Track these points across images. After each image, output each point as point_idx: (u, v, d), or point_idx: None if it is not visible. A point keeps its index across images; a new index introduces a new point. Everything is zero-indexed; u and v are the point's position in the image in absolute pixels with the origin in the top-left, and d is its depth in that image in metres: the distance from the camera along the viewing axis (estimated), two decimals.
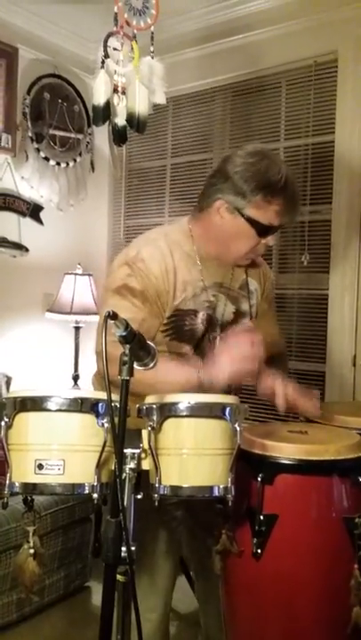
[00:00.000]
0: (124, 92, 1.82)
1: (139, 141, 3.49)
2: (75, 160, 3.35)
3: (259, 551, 1.33)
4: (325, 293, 2.75)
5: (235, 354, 1.52)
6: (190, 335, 1.65)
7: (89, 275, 3.19)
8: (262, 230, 1.58)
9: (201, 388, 1.51)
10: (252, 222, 1.57)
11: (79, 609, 2.61)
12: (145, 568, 1.63)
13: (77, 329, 3.19)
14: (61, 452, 1.17)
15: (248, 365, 1.52)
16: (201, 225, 1.67)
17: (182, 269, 1.63)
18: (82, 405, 1.19)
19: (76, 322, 3.15)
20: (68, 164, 3.32)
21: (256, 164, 1.55)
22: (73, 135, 3.32)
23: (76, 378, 3.23)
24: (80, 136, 3.36)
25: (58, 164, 3.26)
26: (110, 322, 1.04)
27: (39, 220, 3.23)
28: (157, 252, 1.61)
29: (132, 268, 1.58)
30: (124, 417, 1.07)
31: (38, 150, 3.17)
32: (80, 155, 3.37)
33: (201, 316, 1.66)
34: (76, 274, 3.15)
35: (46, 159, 3.20)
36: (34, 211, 3.21)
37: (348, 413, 1.66)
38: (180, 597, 2.03)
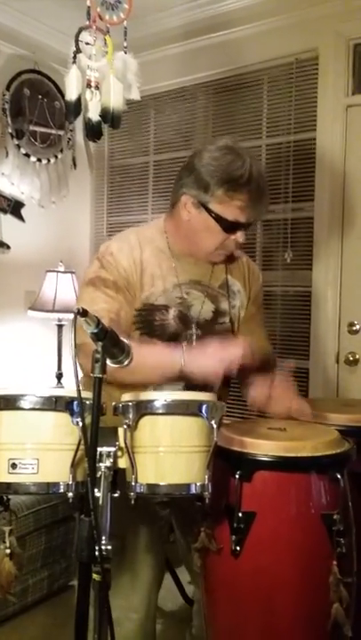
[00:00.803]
0: (97, 87, 1.80)
1: (121, 138, 3.47)
2: (56, 156, 3.32)
3: (237, 548, 1.33)
4: (309, 290, 2.76)
5: (221, 350, 1.49)
6: (161, 330, 1.63)
7: (71, 272, 3.16)
8: (228, 226, 1.57)
9: (181, 375, 1.49)
10: (216, 218, 1.55)
11: (63, 608, 2.59)
12: (126, 567, 1.63)
13: (60, 327, 3.16)
14: (35, 450, 1.16)
15: (232, 364, 1.48)
16: (173, 221, 1.66)
17: (152, 264, 1.62)
18: (56, 404, 1.17)
19: (59, 319, 3.13)
20: (49, 161, 3.29)
21: (220, 158, 1.53)
22: (54, 131, 3.29)
23: (59, 376, 3.21)
24: (61, 132, 3.33)
25: (39, 160, 3.23)
26: (81, 319, 1.02)
27: (20, 217, 3.20)
28: (126, 245, 1.63)
29: (102, 262, 1.61)
30: (98, 415, 1.06)
31: (19, 147, 3.13)
32: (61, 151, 3.34)
33: (173, 312, 1.64)
34: (58, 271, 3.13)
35: (27, 155, 3.17)
36: (15, 208, 3.18)
37: (327, 410, 1.66)
38: (166, 595, 2.03)
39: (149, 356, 1.50)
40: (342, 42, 2.62)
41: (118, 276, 1.59)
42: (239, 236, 1.60)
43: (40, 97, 3.25)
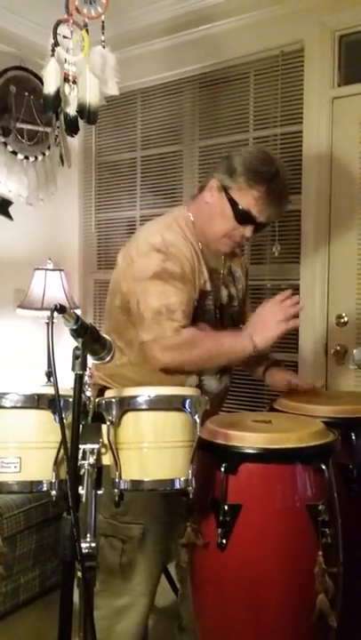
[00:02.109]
0: (74, 82, 1.80)
1: (108, 134, 3.46)
2: (43, 154, 3.31)
3: (224, 541, 1.33)
4: (297, 283, 2.75)
5: (277, 315, 1.63)
6: (208, 316, 1.74)
7: (60, 270, 3.16)
8: (240, 215, 1.65)
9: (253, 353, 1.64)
10: (232, 203, 1.65)
11: (55, 607, 2.57)
12: (146, 554, 1.68)
13: (48, 325, 3.15)
14: (18, 449, 1.16)
15: (291, 324, 1.64)
16: (196, 207, 1.75)
17: (198, 252, 1.71)
18: (38, 402, 1.17)
19: (48, 317, 3.11)
20: (36, 158, 3.27)
21: (255, 153, 1.69)
22: (41, 128, 3.27)
23: (49, 374, 3.20)
24: (48, 129, 3.31)
25: (26, 157, 3.22)
26: (58, 315, 1.02)
27: (8, 216, 3.19)
28: (180, 236, 1.68)
29: (166, 254, 1.63)
30: (79, 412, 1.06)
31: (5, 144, 3.12)
32: (49, 148, 3.33)
33: (211, 298, 1.75)
34: (46, 269, 3.12)
35: (14, 153, 3.15)
36: (3, 206, 3.16)
37: (313, 402, 1.67)
38: (158, 590, 2.03)
39: (223, 342, 1.64)
40: (327, 33, 2.61)
41: (185, 267, 1.64)
42: (247, 231, 1.68)
43: (26, 94, 3.23)
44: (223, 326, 1.80)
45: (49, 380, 3.21)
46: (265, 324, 1.63)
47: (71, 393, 1.10)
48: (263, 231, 1.81)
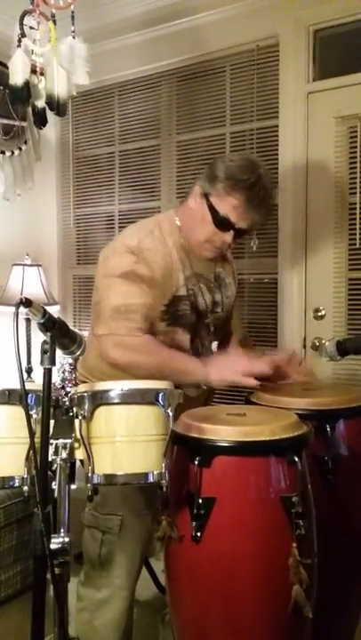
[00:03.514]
0: (42, 73, 1.79)
1: (86, 128, 3.44)
2: (20, 148, 3.27)
3: (198, 534, 1.34)
4: (275, 278, 2.77)
5: (240, 366, 1.63)
6: (184, 320, 1.75)
7: (38, 265, 3.13)
8: (219, 221, 1.67)
9: (197, 382, 1.67)
10: (211, 210, 1.67)
11: None
12: (125, 546, 1.71)
13: (28, 320, 3.13)
14: None
15: (244, 381, 1.62)
16: (182, 213, 1.77)
17: (175, 258, 1.72)
18: (9, 397, 1.17)
19: (27, 313, 3.09)
20: (12, 153, 3.23)
21: (237, 160, 1.69)
22: (17, 123, 3.23)
23: (29, 370, 3.18)
24: (24, 124, 3.27)
25: (2, 152, 3.18)
26: (24, 309, 1.01)
27: None
28: (158, 242, 1.70)
29: (138, 257, 1.66)
30: (48, 406, 1.06)
31: None
32: (25, 143, 3.29)
33: (188, 302, 1.75)
34: (24, 264, 3.10)
35: None
36: None
37: (287, 394, 1.68)
38: (140, 584, 2.04)
39: (178, 360, 1.66)
40: (302, 28, 2.62)
41: (155, 273, 1.66)
42: (227, 236, 1.70)
43: (1, 88, 3.19)
44: (201, 331, 1.81)
45: (29, 376, 3.19)
46: (225, 366, 1.64)
47: (40, 388, 1.09)
48: (246, 237, 1.83)
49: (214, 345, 1.88)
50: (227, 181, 1.64)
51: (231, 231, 1.69)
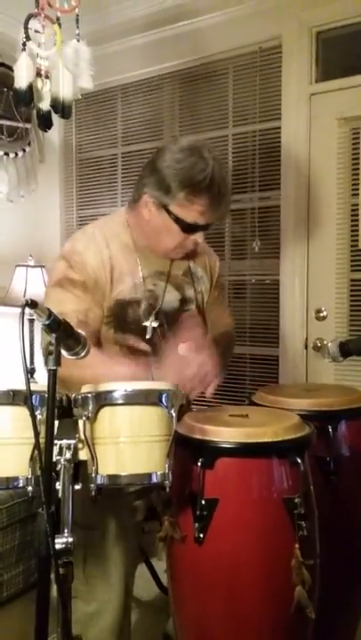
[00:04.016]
0: (47, 77, 1.79)
1: (89, 130, 3.45)
2: (24, 150, 3.29)
3: (201, 535, 1.34)
4: (277, 279, 2.78)
5: (183, 372, 1.50)
6: (135, 326, 1.64)
7: (41, 266, 3.14)
8: (187, 228, 1.59)
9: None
10: (176, 220, 1.57)
11: None
12: (101, 558, 1.64)
13: (31, 321, 3.14)
14: None
15: (193, 387, 1.53)
16: (135, 216, 1.67)
17: (120, 260, 1.63)
18: (14, 398, 1.17)
19: (30, 314, 3.10)
20: (16, 155, 3.25)
21: (183, 160, 1.54)
22: (21, 125, 3.25)
23: (32, 371, 3.19)
24: (28, 125, 3.29)
25: (6, 154, 3.20)
26: (30, 310, 1.02)
27: None
28: (93, 244, 1.61)
29: (69, 262, 1.58)
30: (53, 407, 1.06)
31: None
32: (29, 144, 3.31)
33: (143, 305, 1.65)
34: (27, 266, 3.11)
35: None
36: None
37: (289, 395, 1.68)
38: (142, 585, 2.04)
39: (117, 374, 1.49)
40: (305, 29, 2.63)
41: (87, 277, 1.58)
42: (198, 237, 1.62)
43: (5, 90, 3.20)
44: (163, 334, 1.68)
45: (32, 376, 3.19)
46: (179, 374, 1.49)
47: (46, 389, 1.10)
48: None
49: (182, 347, 1.67)
50: (185, 189, 1.52)
51: (201, 231, 1.61)
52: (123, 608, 1.70)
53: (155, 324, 1.66)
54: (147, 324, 1.65)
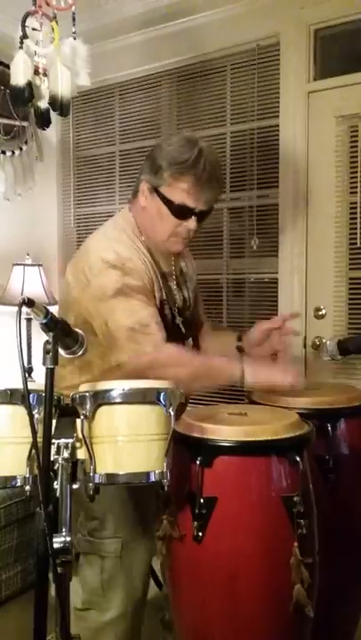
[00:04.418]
0: (45, 74, 1.78)
1: (86, 128, 3.44)
2: (21, 148, 3.27)
3: (200, 534, 1.34)
4: (275, 277, 2.77)
5: (280, 371, 1.60)
6: (167, 326, 1.66)
7: (39, 265, 3.13)
8: (177, 211, 1.59)
9: (234, 382, 1.59)
10: (165, 201, 1.59)
11: None
12: (117, 568, 1.63)
13: (29, 320, 3.13)
14: None
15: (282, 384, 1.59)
16: (137, 213, 1.69)
17: (150, 260, 1.65)
18: (11, 397, 1.17)
19: (28, 313, 3.09)
20: (13, 153, 3.23)
21: (174, 143, 1.59)
22: (18, 123, 3.23)
23: (29, 370, 3.18)
24: (25, 123, 3.27)
25: (3, 152, 3.18)
26: (27, 309, 1.01)
27: None
28: (132, 249, 1.62)
29: (123, 269, 1.57)
30: (51, 407, 1.06)
31: None
32: (26, 143, 3.29)
33: (167, 306, 1.70)
34: (25, 264, 3.10)
35: None
36: None
37: (288, 394, 1.68)
38: None
39: (214, 365, 1.60)
40: (303, 27, 2.62)
41: (143, 281, 1.59)
42: (190, 223, 1.62)
43: (2, 88, 3.18)
44: (183, 333, 1.74)
45: (29, 375, 3.19)
46: (262, 368, 1.61)
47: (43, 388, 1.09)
48: (208, 218, 1.70)
49: (189, 343, 1.79)
50: (171, 167, 1.56)
51: (193, 217, 1.61)
52: (139, 612, 1.70)
53: (180, 321, 1.72)
54: (177, 321, 1.71)
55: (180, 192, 1.57)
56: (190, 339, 1.81)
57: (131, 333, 1.53)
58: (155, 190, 1.60)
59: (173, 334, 1.68)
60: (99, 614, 1.64)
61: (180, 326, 1.73)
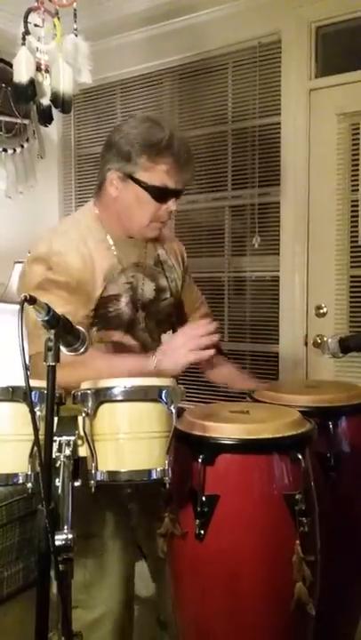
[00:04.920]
0: (47, 71, 1.78)
1: (88, 126, 3.44)
2: (22, 146, 3.28)
3: (202, 532, 1.33)
4: (276, 275, 2.77)
5: (188, 344, 1.50)
6: (118, 321, 1.62)
7: None
8: (157, 194, 1.55)
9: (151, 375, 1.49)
10: (144, 186, 1.54)
11: None
12: (96, 566, 1.62)
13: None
14: None
15: (200, 355, 1.51)
16: (104, 204, 1.63)
17: (98, 256, 1.59)
18: (13, 394, 1.16)
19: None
20: (15, 151, 3.24)
21: (138, 126, 1.53)
22: (19, 120, 3.24)
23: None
24: (27, 121, 3.28)
25: (4, 150, 3.19)
26: (29, 307, 1.01)
27: None
28: (70, 243, 1.56)
29: (49, 263, 1.52)
30: (52, 404, 1.06)
31: None
32: (27, 140, 3.30)
33: (124, 299, 1.63)
34: None
35: None
36: None
37: (290, 391, 1.67)
38: (140, 582, 2.04)
39: (117, 365, 1.51)
40: (304, 25, 2.62)
41: (70, 278, 1.53)
42: (171, 205, 1.58)
43: (4, 85, 3.19)
44: (144, 325, 1.68)
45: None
46: (174, 352, 1.50)
47: (45, 385, 1.09)
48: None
49: (166, 337, 1.74)
50: (145, 151, 1.50)
51: (173, 198, 1.57)
52: (125, 611, 1.69)
53: (141, 316, 1.65)
54: (138, 315, 1.64)
55: (160, 174, 1.52)
56: (161, 331, 1.74)
57: (35, 329, 1.41)
58: (129, 177, 1.54)
59: (131, 328, 1.64)
60: (85, 612, 1.63)
61: (140, 320, 1.68)
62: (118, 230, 1.63)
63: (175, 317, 1.85)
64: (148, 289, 1.70)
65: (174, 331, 1.81)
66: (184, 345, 1.50)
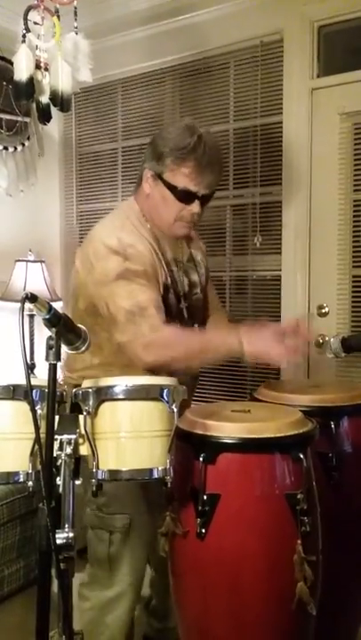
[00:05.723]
0: (47, 69, 1.78)
1: (89, 124, 3.43)
2: (23, 144, 3.26)
3: (203, 531, 1.34)
4: (278, 274, 2.76)
5: (275, 344, 1.53)
6: (171, 310, 1.71)
7: (41, 261, 3.13)
8: (180, 195, 1.65)
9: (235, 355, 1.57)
10: (168, 186, 1.65)
11: None
12: (124, 541, 1.68)
13: (32, 316, 3.13)
14: None
15: (277, 358, 1.56)
16: (141, 200, 1.73)
17: (154, 247, 1.69)
18: (14, 392, 1.16)
19: (30, 309, 3.08)
20: (15, 149, 3.23)
21: (174, 131, 1.66)
22: (20, 118, 3.23)
23: (32, 366, 3.18)
24: (27, 119, 3.27)
25: (5, 148, 3.17)
26: (29, 305, 1.01)
27: None
28: (135, 235, 1.67)
29: (125, 254, 1.62)
30: (54, 402, 1.05)
31: None
32: (28, 138, 3.28)
33: (172, 291, 1.73)
34: (27, 260, 3.09)
35: None
36: None
37: (292, 391, 1.67)
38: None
39: (213, 339, 1.65)
40: (307, 24, 2.61)
41: (145, 266, 1.63)
42: (194, 207, 1.68)
43: (4, 83, 3.18)
44: (187, 317, 1.78)
45: (32, 371, 3.18)
46: (259, 339, 1.53)
47: (46, 384, 1.09)
48: (211, 202, 1.75)
49: (195, 328, 1.82)
50: (172, 153, 1.62)
51: (196, 200, 1.67)
52: (138, 596, 1.76)
53: (184, 306, 1.76)
54: (182, 306, 1.75)
55: (183, 177, 1.63)
56: (195, 324, 1.83)
57: (130, 316, 1.57)
58: (158, 177, 1.66)
59: (178, 319, 1.73)
60: (104, 591, 1.70)
61: (184, 311, 1.78)
62: (155, 226, 1.73)
63: (204, 312, 1.94)
64: (184, 283, 1.80)
65: (200, 326, 1.88)
66: (270, 341, 1.53)
